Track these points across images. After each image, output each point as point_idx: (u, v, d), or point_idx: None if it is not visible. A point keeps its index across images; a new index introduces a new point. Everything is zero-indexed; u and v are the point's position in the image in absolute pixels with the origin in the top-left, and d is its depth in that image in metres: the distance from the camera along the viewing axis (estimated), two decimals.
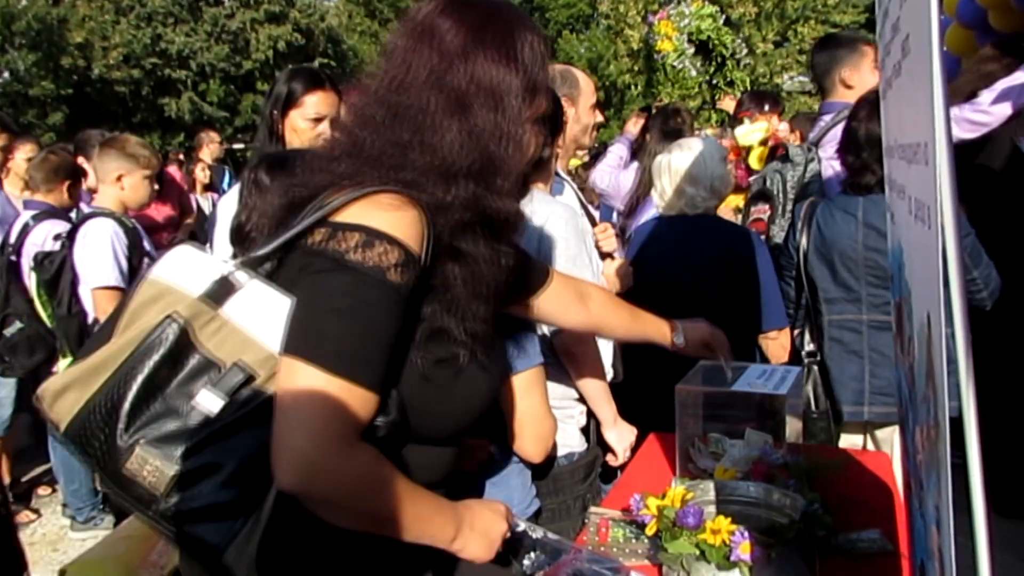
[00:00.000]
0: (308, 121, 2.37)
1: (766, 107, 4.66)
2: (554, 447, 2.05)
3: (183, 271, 1.12)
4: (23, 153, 4.68)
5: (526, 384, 1.76)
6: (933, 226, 0.70)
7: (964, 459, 0.70)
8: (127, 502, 1.06)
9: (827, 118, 3.61)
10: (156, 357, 1.04)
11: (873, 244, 2.63)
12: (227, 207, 2.34)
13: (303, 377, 1.01)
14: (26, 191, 4.29)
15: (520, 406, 1.76)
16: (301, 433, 0.99)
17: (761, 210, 3.79)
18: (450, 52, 1.14)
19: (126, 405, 1.03)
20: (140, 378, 1.04)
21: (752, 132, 4.16)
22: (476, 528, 1.22)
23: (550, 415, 1.82)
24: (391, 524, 1.10)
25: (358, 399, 1.03)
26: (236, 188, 2.38)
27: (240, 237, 1.68)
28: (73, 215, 4.04)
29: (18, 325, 3.73)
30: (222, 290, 1.09)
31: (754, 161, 4.14)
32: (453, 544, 1.19)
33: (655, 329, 1.88)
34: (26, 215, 3.97)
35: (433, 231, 1.12)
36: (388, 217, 1.07)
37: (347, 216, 1.07)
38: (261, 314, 1.08)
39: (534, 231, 2.09)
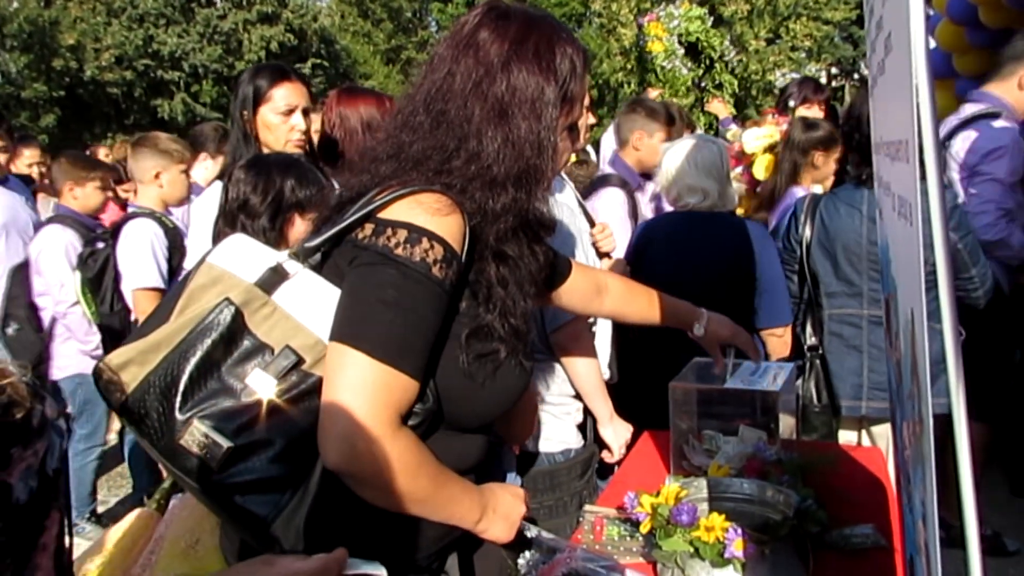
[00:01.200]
0: (279, 115, 2.35)
1: (791, 103, 4.34)
2: (544, 441, 2.06)
3: (238, 258, 1.19)
4: (24, 159, 4.66)
5: None
6: (915, 223, 0.70)
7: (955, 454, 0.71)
8: (178, 475, 1.12)
9: (970, 108, 3.32)
10: (212, 338, 1.10)
11: (877, 238, 2.62)
12: (202, 210, 2.34)
13: (351, 362, 1.07)
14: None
15: None
16: (347, 415, 1.05)
17: None
18: (491, 63, 1.20)
19: (183, 382, 1.09)
20: (197, 357, 1.10)
21: (758, 138, 3.85)
22: (499, 511, 1.28)
23: (530, 395, 1.83)
24: (424, 505, 1.16)
25: (401, 385, 1.10)
26: (210, 191, 2.38)
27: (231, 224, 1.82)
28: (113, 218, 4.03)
29: (15, 327, 3.77)
30: (274, 278, 1.15)
31: (760, 170, 3.85)
32: (478, 526, 1.25)
33: (675, 315, 1.90)
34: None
35: (474, 234, 1.19)
36: (431, 216, 1.13)
37: (393, 213, 1.14)
38: (310, 302, 1.15)
39: None
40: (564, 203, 2.30)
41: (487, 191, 1.19)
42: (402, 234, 1.12)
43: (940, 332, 0.72)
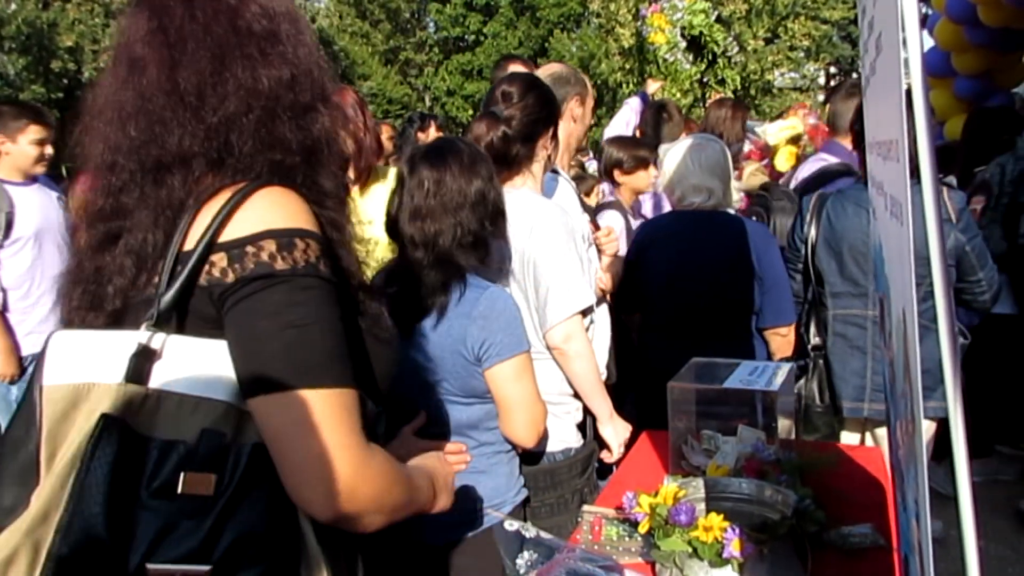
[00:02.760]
0: None
1: (821, 97, 4.38)
2: (547, 439, 2.07)
3: (83, 361, 0.94)
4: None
5: (516, 369, 1.78)
6: (905, 222, 0.70)
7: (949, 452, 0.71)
8: None
9: None
10: (107, 472, 0.87)
11: None
12: None
13: (298, 405, 0.94)
14: None
15: (511, 391, 1.79)
16: (328, 458, 0.94)
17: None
18: (229, 7, 1.06)
19: (104, 539, 0.87)
20: (102, 503, 0.87)
21: (781, 130, 3.85)
22: (439, 482, 1.23)
23: (540, 399, 1.85)
24: (404, 508, 1.08)
25: (352, 400, 0.99)
26: None
27: None
28: None
29: None
30: (142, 363, 0.94)
31: (781, 162, 3.82)
32: (433, 504, 1.20)
33: None
34: None
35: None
36: (283, 211, 0.99)
37: (237, 230, 0.97)
38: (195, 370, 0.96)
39: (522, 233, 2.09)
40: (555, 203, 2.29)
41: (301, 123, 1.07)
42: (270, 244, 0.96)
43: (951, 335, 0.72)
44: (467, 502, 1.82)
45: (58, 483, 0.88)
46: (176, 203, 1.01)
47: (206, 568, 0.90)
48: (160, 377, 0.94)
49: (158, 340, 0.95)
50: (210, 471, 0.92)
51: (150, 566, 0.88)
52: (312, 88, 1.10)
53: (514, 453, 1.93)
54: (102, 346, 0.95)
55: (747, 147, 4.09)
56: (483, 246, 1.84)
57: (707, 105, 4.73)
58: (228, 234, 0.97)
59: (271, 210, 0.99)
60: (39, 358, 0.96)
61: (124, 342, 0.95)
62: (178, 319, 0.98)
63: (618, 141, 3.90)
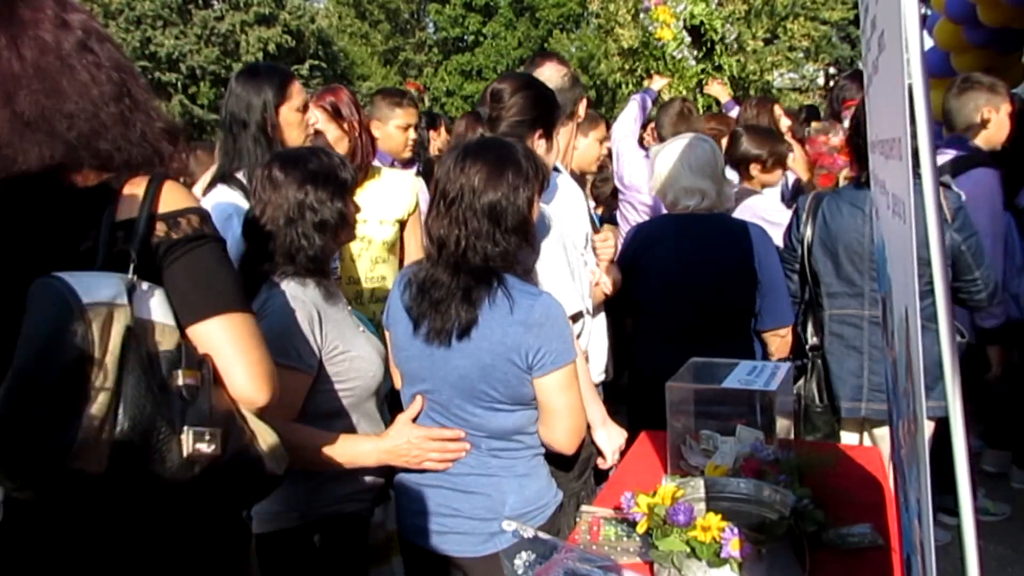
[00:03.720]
0: (297, 112, 2.45)
1: (844, 95, 4.26)
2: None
3: (99, 289, 1.18)
4: None
5: (568, 378, 1.77)
6: (908, 221, 0.70)
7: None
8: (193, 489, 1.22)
9: None
10: (139, 370, 1.17)
11: None
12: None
13: (240, 323, 1.30)
14: None
15: (560, 399, 1.78)
16: (261, 357, 1.31)
17: None
18: (49, 44, 1.23)
19: (150, 415, 1.17)
20: (145, 392, 1.17)
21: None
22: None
23: (584, 408, 1.84)
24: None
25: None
26: (213, 195, 2.37)
27: (253, 230, 1.87)
28: None
29: None
30: (130, 296, 1.21)
31: None
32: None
33: None
34: None
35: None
36: (189, 196, 1.33)
37: (167, 206, 1.28)
38: (157, 304, 1.26)
39: None
40: (551, 207, 2.27)
41: (146, 121, 1.31)
42: (195, 218, 1.29)
43: (950, 334, 0.71)
44: (500, 512, 1.79)
45: (114, 378, 1.15)
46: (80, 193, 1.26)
47: (219, 429, 1.20)
48: (141, 306, 1.22)
49: (135, 281, 1.22)
50: (195, 372, 1.22)
51: (188, 427, 1.17)
52: (140, 90, 1.32)
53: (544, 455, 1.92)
54: (101, 281, 1.19)
55: (795, 150, 4.00)
56: (505, 255, 1.75)
57: (740, 107, 4.67)
58: (162, 209, 1.28)
59: (182, 195, 1.32)
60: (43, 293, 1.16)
61: (114, 280, 1.20)
62: (145, 267, 1.25)
63: (756, 135, 3.76)
